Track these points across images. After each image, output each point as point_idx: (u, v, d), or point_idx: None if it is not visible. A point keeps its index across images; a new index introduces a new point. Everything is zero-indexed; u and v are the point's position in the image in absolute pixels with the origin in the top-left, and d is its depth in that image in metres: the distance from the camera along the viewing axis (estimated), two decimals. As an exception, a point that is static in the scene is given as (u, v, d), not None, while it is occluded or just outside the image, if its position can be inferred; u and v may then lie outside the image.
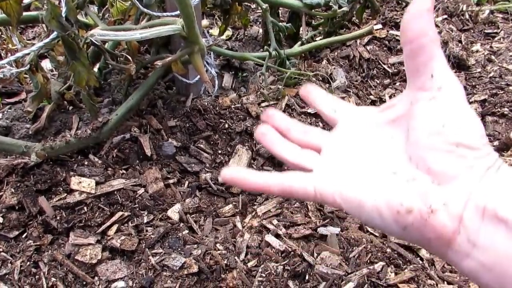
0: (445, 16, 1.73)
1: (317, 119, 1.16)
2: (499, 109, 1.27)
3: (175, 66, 0.90)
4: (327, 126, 1.16)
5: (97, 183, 0.89)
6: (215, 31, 1.76)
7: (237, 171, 0.41)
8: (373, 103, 1.33)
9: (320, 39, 1.40)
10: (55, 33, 0.82)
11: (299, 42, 1.32)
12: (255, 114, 1.14)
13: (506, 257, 0.27)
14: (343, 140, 0.41)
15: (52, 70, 1.29)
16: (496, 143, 1.22)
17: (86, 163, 0.93)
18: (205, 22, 1.72)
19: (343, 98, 1.25)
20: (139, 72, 1.21)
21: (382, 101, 1.34)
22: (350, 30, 1.56)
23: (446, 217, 0.29)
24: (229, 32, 1.62)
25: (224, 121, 1.11)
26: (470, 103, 1.30)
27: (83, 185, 0.87)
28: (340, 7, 1.33)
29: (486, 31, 1.85)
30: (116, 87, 1.10)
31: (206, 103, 1.13)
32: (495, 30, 1.85)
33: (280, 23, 1.24)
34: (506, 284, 0.28)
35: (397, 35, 1.43)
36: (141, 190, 0.92)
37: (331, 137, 0.44)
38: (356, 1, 1.43)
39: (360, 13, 1.61)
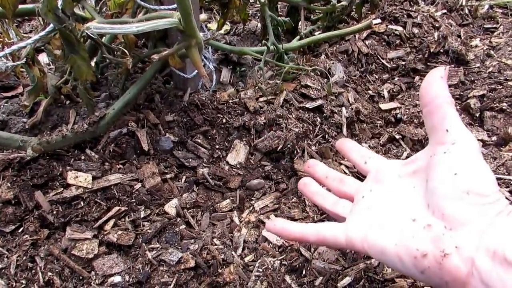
0: (445, 11, 1.72)
1: (314, 113, 1.16)
2: (497, 104, 1.27)
3: (172, 60, 0.90)
4: (325, 120, 1.15)
5: (94, 178, 0.89)
6: (213, 25, 1.76)
7: (281, 224, 0.47)
8: (371, 98, 1.33)
9: (319, 34, 1.39)
10: (51, 26, 0.81)
11: (298, 37, 1.31)
12: (253, 109, 1.13)
13: None
14: (372, 190, 0.45)
15: (49, 64, 1.28)
16: (494, 138, 1.22)
17: (82, 157, 0.92)
18: (203, 16, 1.70)
19: (341, 93, 1.25)
20: (136, 67, 1.20)
21: (380, 96, 1.33)
22: (349, 24, 1.55)
23: (458, 260, 0.32)
24: (227, 27, 1.61)
25: (221, 116, 1.11)
26: (469, 98, 1.30)
27: (79, 179, 0.86)
28: (339, 1, 1.32)
29: (485, 26, 1.84)
30: (113, 81, 1.10)
31: (203, 98, 1.12)
32: (494, 25, 1.85)
33: (279, 18, 1.23)
34: None
35: (396, 30, 1.43)
36: (138, 185, 0.92)
37: (362, 187, 0.49)
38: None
39: (360, 8, 1.60)
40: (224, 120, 1.11)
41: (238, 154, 1.07)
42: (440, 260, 0.34)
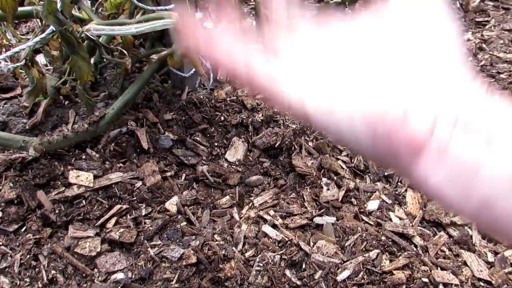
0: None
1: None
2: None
3: (171, 60, 0.91)
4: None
5: (95, 177, 0.90)
6: (210, 24, 1.76)
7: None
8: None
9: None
10: (51, 28, 0.82)
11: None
12: (250, 107, 1.15)
13: (471, 166, 0.26)
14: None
15: (46, 65, 1.29)
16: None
17: (83, 157, 0.94)
18: (198, 14, 1.71)
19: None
20: (134, 66, 1.21)
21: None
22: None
23: (419, 122, 0.27)
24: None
25: (220, 113, 1.12)
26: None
27: (81, 178, 0.87)
28: (334, -2, 1.33)
29: (477, 19, 1.86)
30: (111, 81, 1.11)
31: (201, 96, 1.14)
32: (486, 19, 1.87)
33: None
34: (469, 196, 0.27)
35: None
36: (139, 183, 0.93)
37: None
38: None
39: None
40: (222, 118, 1.12)
41: (236, 151, 1.09)
42: (400, 122, 0.28)
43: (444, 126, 0.27)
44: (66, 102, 1.18)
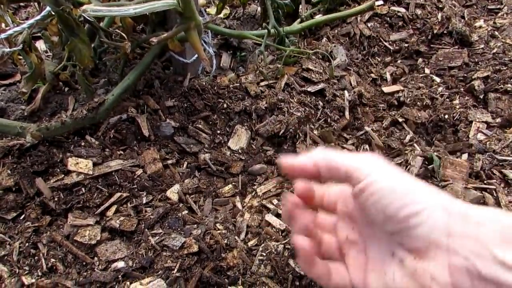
0: (447, -8, 1.69)
1: (316, 97, 1.14)
2: (502, 86, 1.25)
3: (172, 44, 0.88)
4: (327, 104, 1.14)
5: (95, 164, 0.88)
6: (212, 10, 1.73)
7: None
8: (373, 81, 1.31)
9: (320, 16, 1.37)
10: (47, 9, 0.80)
11: (299, 20, 1.29)
12: (254, 94, 1.12)
13: None
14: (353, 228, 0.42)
15: (46, 51, 1.26)
16: (498, 120, 1.20)
17: (83, 144, 0.91)
18: (202, 0, 1.68)
19: (343, 76, 1.23)
20: (135, 52, 1.19)
21: (383, 79, 1.32)
22: (350, 6, 1.53)
23: None
24: (227, 11, 1.58)
25: (222, 101, 1.10)
26: (473, 79, 1.28)
27: (80, 166, 0.85)
28: (340, -18, 1.29)
29: (489, 6, 1.81)
30: (111, 67, 1.08)
31: (204, 83, 1.11)
32: (498, 6, 1.81)
33: (279, 0, 1.21)
34: None
35: (398, 11, 1.40)
36: (140, 171, 0.91)
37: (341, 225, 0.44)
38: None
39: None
40: (225, 105, 1.09)
41: (239, 139, 1.06)
42: None
43: (462, 280, 0.30)
44: (66, 89, 1.16)
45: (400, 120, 1.20)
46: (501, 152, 1.04)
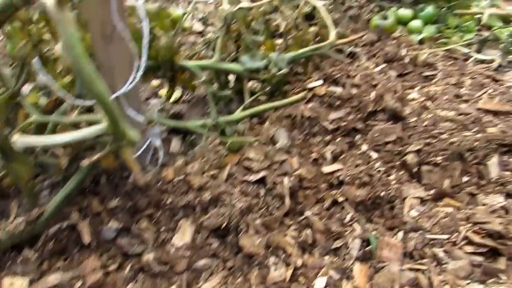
0: (384, 65, 1.81)
1: (258, 186, 1.19)
2: (433, 158, 1.33)
3: (106, 161, 0.92)
4: (268, 192, 1.18)
5: (32, 282, 0.88)
6: (164, 91, 1.79)
7: None
8: (315, 161, 1.37)
9: (263, 100, 1.45)
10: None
11: (241, 107, 1.36)
12: (197, 186, 1.16)
13: None
14: None
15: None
16: (432, 192, 1.27)
17: (19, 259, 0.92)
18: (154, 82, 1.75)
19: (285, 160, 1.29)
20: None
21: (323, 158, 1.38)
22: (294, 85, 1.62)
23: None
24: (178, 93, 1.65)
25: (166, 196, 1.13)
26: (406, 153, 1.36)
27: (15, 287, 0.86)
28: (279, 69, 1.38)
29: (425, 73, 1.94)
30: (53, 173, 1.11)
31: (148, 179, 1.14)
32: (433, 72, 1.94)
33: (221, 92, 1.28)
34: None
35: (335, 91, 1.49)
36: (79, 283, 0.92)
37: None
38: (296, 62, 1.49)
39: (305, 66, 1.68)
40: (169, 201, 1.13)
41: (184, 234, 1.09)
42: None
43: None
44: (11, 190, 1.17)
45: (340, 199, 1.26)
46: (432, 230, 1.10)
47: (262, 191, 1.18)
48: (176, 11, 1.90)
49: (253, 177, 1.19)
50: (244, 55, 1.33)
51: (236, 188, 1.16)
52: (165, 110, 1.52)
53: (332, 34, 1.48)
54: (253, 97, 1.41)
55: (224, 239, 1.11)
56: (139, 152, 1.17)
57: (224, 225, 1.09)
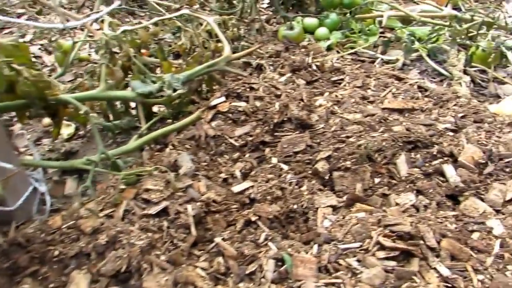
0: (290, 75, 1.80)
1: (160, 218, 1.10)
2: (343, 163, 1.31)
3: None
4: (172, 224, 1.09)
5: None
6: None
7: None
8: (224, 181, 1.31)
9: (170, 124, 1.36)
10: None
11: (136, 136, 1.26)
12: (90, 230, 1.04)
13: None
14: None
15: None
16: (344, 198, 1.24)
17: None
18: (46, 120, 1.60)
19: (190, 185, 1.21)
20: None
21: (233, 177, 1.32)
22: (199, 105, 1.55)
23: None
24: (71, 129, 1.52)
25: (53, 247, 1.00)
26: (317, 161, 1.33)
27: None
28: (175, 90, 1.30)
29: (332, 78, 1.95)
30: None
31: (31, 231, 1.01)
32: (341, 77, 1.96)
33: (110, 122, 1.18)
34: None
35: (239, 106, 1.44)
36: None
37: None
38: (193, 81, 1.43)
39: (209, 83, 1.62)
40: (56, 252, 1.00)
41: (78, 287, 0.97)
42: None
43: None
44: None
45: (254, 219, 1.19)
46: (344, 239, 1.06)
47: (165, 224, 1.09)
48: (67, 41, 1.78)
49: (153, 210, 1.09)
50: (135, 80, 1.24)
51: (134, 225, 1.06)
52: (55, 150, 1.38)
53: (227, 49, 1.43)
54: (149, 123, 1.32)
55: (126, 284, 1.00)
56: (19, 203, 1.04)
57: (124, 268, 0.99)
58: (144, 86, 1.22)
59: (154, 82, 1.25)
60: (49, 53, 2.04)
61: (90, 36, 1.60)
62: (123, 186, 1.16)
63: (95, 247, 1.02)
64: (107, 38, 1.17)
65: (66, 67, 1.37)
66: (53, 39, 2.06)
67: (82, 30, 1.82)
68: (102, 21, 1.41)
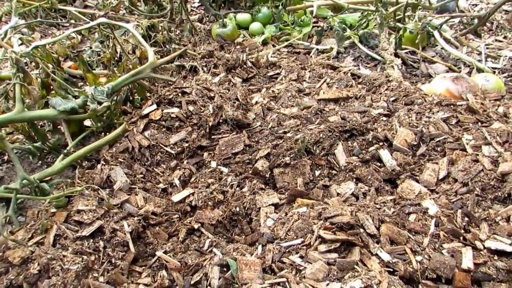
0: (224, 74, 1.77)
1: (95, 239, 1.05)
2: (282, 160, 1.31)
3: None
4: (108, 243, 1.04)
5: None
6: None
7: None
8: (164, 191, 1.27)
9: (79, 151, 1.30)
10: None
11: (61, 156, 1.19)
12: (19, 261, 0.98)
13: None
14: None
15: None
16: (286, 194, 1.24)
17: None
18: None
19: (126, 200, 1.16)
20: None
21: (173, 186, 1.28)
22: (132, 115, 1.49)
23: None
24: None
25: (-23, 285, 0.93)
26: (257, 160, 1.32)
27: None
28: (100, 103, 1.24)
29: (269, 73, 1.95)
30: None
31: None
32: (276, 71, 1.96)
33: (26, 145, 1.11)
34: None
35: (172, 112, 1.40)
36: None
37: None
38: (119, 91, 1.37)
39: (141, 92, 1.57)
40: (-18, 290, 0.93)
41: (9, 325, 0.91)
42: None
43: None
44: None
45: (196, 226, 1.17)
46: (286, 237, 1.06)
47: (101, 244, 1.04)
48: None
49: (86, 231, 1.04)
50: (55, 96, 1.17)
51: (68, 249, 1.01)
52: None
53: (151, 55, 1.39)
54: (75, 141, 1.26)
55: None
56: None
57: (60, 297, 0.93)
58: (65, 102, 1.16)
59: (76, 97, 1.18)
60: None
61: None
62: (53, 210, 1.10)
63: (26, 278, 0.95)
64: (17, 56, 1.09)
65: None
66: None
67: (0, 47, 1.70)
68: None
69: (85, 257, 1.00)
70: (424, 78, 2.05)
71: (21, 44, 1.53)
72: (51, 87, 1.25)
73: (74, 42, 1.42)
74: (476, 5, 2.81)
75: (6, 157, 1.38)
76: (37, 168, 1.37)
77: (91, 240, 1.04)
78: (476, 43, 2.29)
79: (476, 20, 2.21)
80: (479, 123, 1.36)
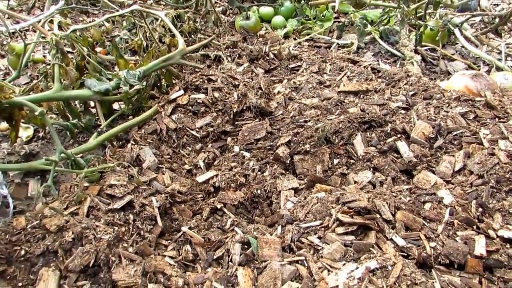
0: (247, 64, 1.82)
1: (126, 212, 1.11)
2: (302, 147, 1.36)
3: None
4: (137, 216, 1.10)
5: None
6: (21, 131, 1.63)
7: None
8: (189, 172, 1.33)
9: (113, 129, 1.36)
10: None
11: (95, 134, 1.26)
12: (55, 229, 1.05)
13: None
14: None
15: None
16: (305, 180, 1.29)
17: None
18: (3, 125, 1.57)
19: (154, 178, 1.23)
20: None
21: (197, 167, 1.34)
22: (160, 99, 1.56)
23: None
24: (30, 131, 1.50)
25: (19, 247, 1.01)
26: (278, 147, 1.37)
27: None
28: (131, 86, 1.31)
29: (290, 66, 2.00)
30: None
31: (-6, 233, 1.01)
32: (298, 64, 2.01)
33: (68, 122, 1.18)
34: None
35: (198, 98, 1.46)
36: None
37: None
38: (150, 76, 1.43)
39: (168, 77, 1.63)
40: (23, 252, 1.00)
41: (47, 285, 0.97)
42: None
43: None
44: None
45: (219, 206, 1.23)
46: (305, 218, 1.11)
47: (131, 217, 1.10)
48: (19, 44, 1.74)
49: (118, 204, 1.11)
50: (90, 78, 1.24)
51: (100, 220, 1.07)
52: (15, 153, 1.37)
53: (181, 42, 1.45)
54: (108, 121, 1.33)
55: (96, 277, 1.01)
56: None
57: (92, 262, 1.00)
58: (100, 84, 1.22)
59: (110, 79, 1.25)
60: (2, 56, 1.99)
61: (42, 37, 1.57)
62: (86, 184, 1.17)
63: (61, 245, 1.02)
64: (57, 39, 1.16)
65: (20, 69, 1.35)
66: (4, 42, 2.00)
67: (35, 31, 1.78)
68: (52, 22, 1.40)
69: (116, 228, 1.07)
70: (443, 75, 2.08)
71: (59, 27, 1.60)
72: (85, 70, 1.32)
73: (108, 28, 1.49)
74: (497, 5, 2.81)
75: (41, 134, 1.45)
76: (69, 146, 1.44)
77: (122, 213, 1.10)
78: (496, 42, 2.31)
79: (497, 19, 2.23)
80: (497, 119, 1.39)
